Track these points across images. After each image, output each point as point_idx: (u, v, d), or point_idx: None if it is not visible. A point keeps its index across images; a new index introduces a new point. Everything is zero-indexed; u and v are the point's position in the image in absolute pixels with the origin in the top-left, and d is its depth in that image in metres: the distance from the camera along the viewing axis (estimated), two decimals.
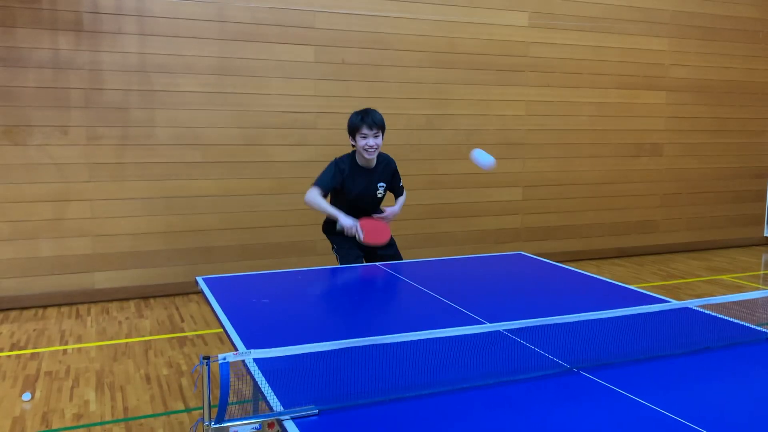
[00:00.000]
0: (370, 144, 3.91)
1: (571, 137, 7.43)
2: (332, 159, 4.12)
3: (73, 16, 5.50)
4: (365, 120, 3.89)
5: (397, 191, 4.33)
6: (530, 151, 7.25)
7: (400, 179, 4.32)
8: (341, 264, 4.09)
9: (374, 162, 4.07)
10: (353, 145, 4.02)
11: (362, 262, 4.07)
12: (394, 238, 4.26)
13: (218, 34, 5.90)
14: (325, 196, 4.01)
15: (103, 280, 5.82)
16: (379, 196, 4.17)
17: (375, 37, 6.42)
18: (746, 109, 8.35)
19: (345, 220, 3.92)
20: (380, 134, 3.95)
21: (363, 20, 6.36)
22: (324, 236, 4.31)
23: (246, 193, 6.17)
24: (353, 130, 3.95)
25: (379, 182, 4.14)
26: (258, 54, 6.04)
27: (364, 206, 4.13)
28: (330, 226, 4.14)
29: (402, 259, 4.26)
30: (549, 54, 7.16)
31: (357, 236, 3.90)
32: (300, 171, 6.25)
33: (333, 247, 4.22)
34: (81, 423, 3.48)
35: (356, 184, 4.04)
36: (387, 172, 4.19)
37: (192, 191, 5.99)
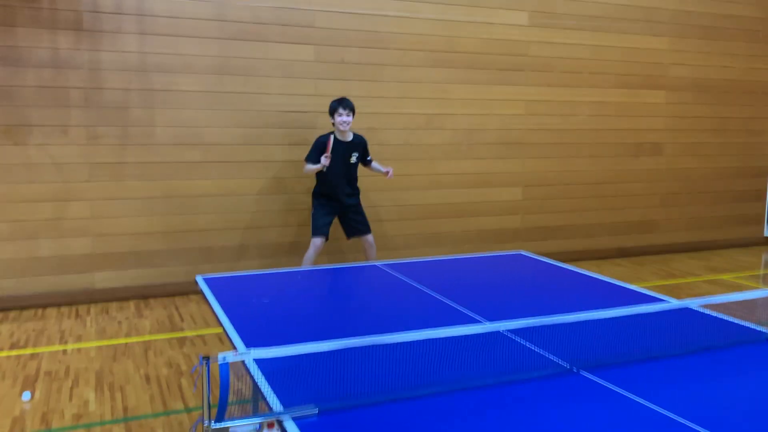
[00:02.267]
0: (344, 120, 5.50)
1: (571, 137, 7.42)
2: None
3: (73, 16, 5.49)
4: (341, 104, 5.52)
5: (365, 160, 5.83)
6: (530, 150, 7.25)
7: (369, 153, 5.84)
8: (312, 223, 5.68)
9: (349, 137, 5.64)
10: (333, 123, 5.57)
11: (330, 221, 5.68)
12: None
13: (218, 33, 5.90)
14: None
15: (102, 280, 5.82)
16: (352, 161, 5.69)
17: (375, 36, 6.42)
18: (746, 109, 8.35)
19: (321, 161, 5.47)
20: (351, 114, 5.55)
21: (363, 20, 6.36)
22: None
23: (246, 193, 6.17)
24: (333, 111, 5.55)
25: (353, 152, 5.67)
26: (258, 53, 6.04)
27: (341, 167, 5.63)
28: (316, 192, 5.73)
29: (368, 224, 5.83)
30: (549, 53, 7.16)
31: (327, 159, 5.47)
32: (300, 171, 6.24)
33: (313, 207, 5.74)
34: (81, 423, 3.48)
35: (337, 153, 5.55)
36: (360, 145, 5.72)
37: (192, 191, 5.99)
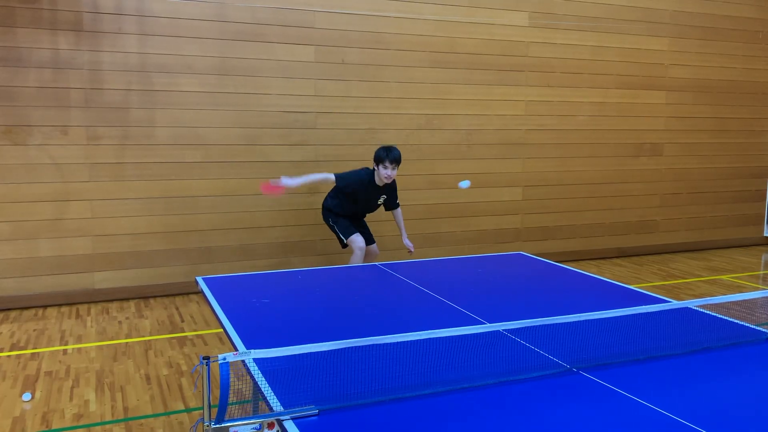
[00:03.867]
0: (389, 174, 5.23)
1: (571, 137, 7.43)
2: (357, 165, 5.57)
3: (73, 16, 5.50)
4: (389, 156, 5.20)
5: (393, 204, 5.57)
6: (530, 151, 7.25)
7: (397, 195, 5.57)
8: (340, 231, 5.44)
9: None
10: (375, 168, 5.30)
11: (354, 227, 5.45)
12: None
13: (218, 34, 5.90)
14: (336, 188, 5.38)
15: (103, 280, 5.82)
16: (379, 203, 5.51)
17: (375, 37, 6.42)
18: (746, 109, 8.35)
19: (297, 182, 5.17)
20: (397, 168, 5.26)
21: (363, 20, 6.36)
22: (323, 223, 5.70)
23: (246, 193, 6.17)
24: (378, 161, 5.24)
25: (381, 195, 5.43)
26: (258, 54, 6.04)
27: (366, 207, 5.53)
28: (331, 209, 5.48)
29: (372, 235, 5.70)
30: (549, 54, 7.16)
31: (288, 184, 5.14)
32: (300, 171, 6.23)
33: (330, 220, 5.51)
34: (81, 423, 3.49)
35: (368, 193, 5.36)
36: (390, 188, 5.43)
37: (192, 191, 5.99)
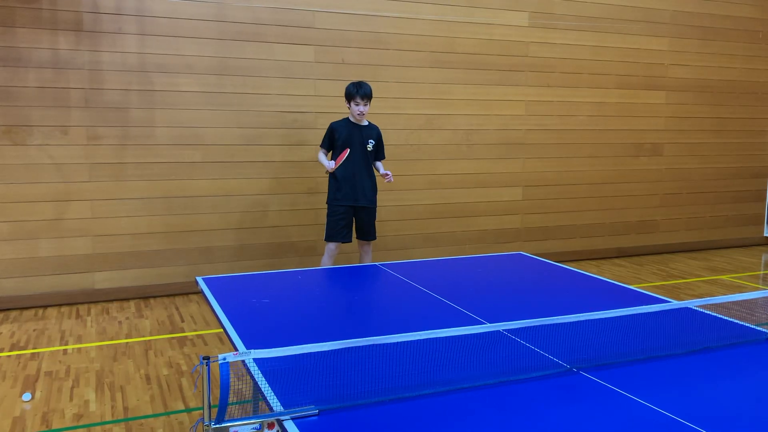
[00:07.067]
0: (361, 111, 5.22)
1: (571, 137, 7.43)
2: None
3: (73, 16, 5.50)
4: (358, 91, 5.19)
5: (381, 155, 5.49)
6: (530, 151, 7.25)
7: (383, 146, 5.51)
8: (327, 227, 5.33)
9: (364, 122, 5.36)
10: (348, 108, 5.29)
11: (343, 225, 5.31)
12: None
13: (218, 34, 5.90)
14: (327, 152, 5.37)
15: (103, 280, 5.82)
16: (369, 149, 5.34)
17: (375, 37, 6.42)
18: (746, 109, 8.35)
19: (327, 164, 5.22)
20: (368, 103, 5.25)
21: (363, 20, 6.36)
22: (323, 223, 5.51)
23: (246, 193, 6.17)
24: (349, 98, 5.24)
25: (369, 138, 5.33)
26: (258, 54, 6.04)
27: (360, 153, 5.29)
28: (331, 198, 5.34)
29: (374, 227, 5.47)
30: (549, 54, 7.16)
31: (331, 167, 5.20)
32: (300, 171, 6.25)
33: (329, 210, 5.36)
34: (81, 423, 3.48)
35: (348, 131, 5.27)
36: (374, 132, 5.39)
37: (192, 191, 5.99)
